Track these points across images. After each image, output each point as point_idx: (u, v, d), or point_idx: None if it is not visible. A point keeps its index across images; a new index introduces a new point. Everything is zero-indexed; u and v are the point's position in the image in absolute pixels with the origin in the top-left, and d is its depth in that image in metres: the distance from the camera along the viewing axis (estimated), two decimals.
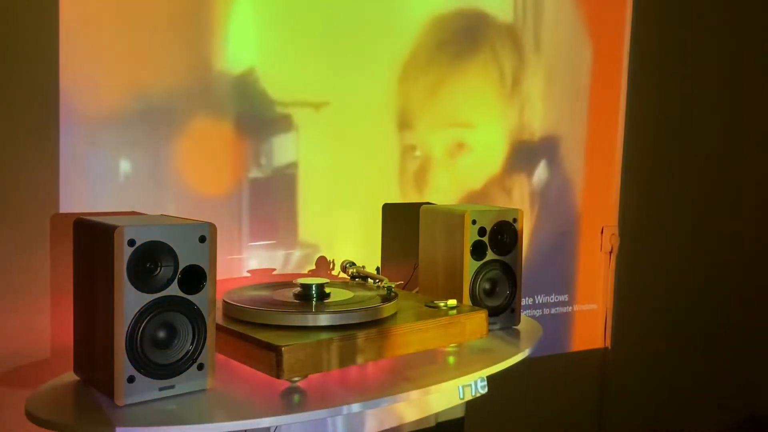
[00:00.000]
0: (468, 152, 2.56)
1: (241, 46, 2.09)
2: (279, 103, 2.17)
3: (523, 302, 2.66)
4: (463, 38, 2.53)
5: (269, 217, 2.17)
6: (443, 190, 2.52)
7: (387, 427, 1.58)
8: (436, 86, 2.49)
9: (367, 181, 2.35)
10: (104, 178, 1.90)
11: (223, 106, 2.07)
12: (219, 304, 1.53)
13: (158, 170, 1.98)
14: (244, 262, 2.12)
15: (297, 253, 2.21)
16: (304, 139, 2.21)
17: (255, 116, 2.13)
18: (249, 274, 2.12)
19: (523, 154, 2.70)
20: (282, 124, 2.18)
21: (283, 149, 2.19)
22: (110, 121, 1.90)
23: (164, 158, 1.99)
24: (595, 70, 2.85)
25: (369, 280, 1.87)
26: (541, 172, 2.74)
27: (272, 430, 1.36)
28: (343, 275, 1.99)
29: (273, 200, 2.17)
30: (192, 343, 1.38)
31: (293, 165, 2.21)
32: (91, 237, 1.37)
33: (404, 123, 2.42)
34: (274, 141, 2.17)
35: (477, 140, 2.59)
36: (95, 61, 1.88)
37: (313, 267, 2.22)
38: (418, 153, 2.46)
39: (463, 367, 1.63)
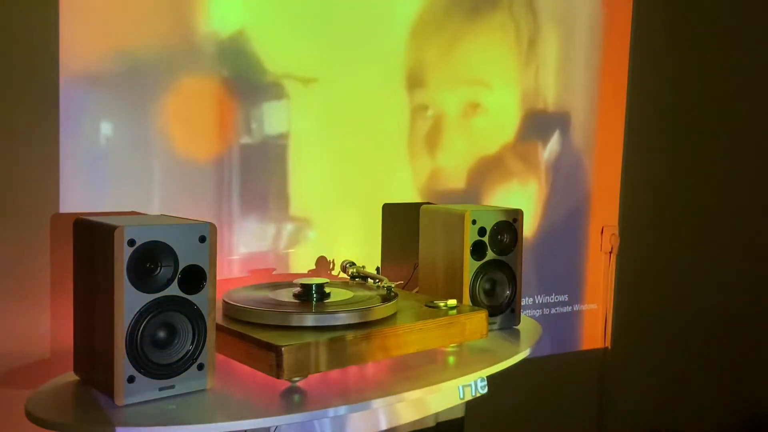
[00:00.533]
0: (483, 113, 2.52)
1: (231, 5, 2.05)
2: (273, 68, 2.11)
3: (523, 302, 2.66)
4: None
5: (259, 187, 2.13)
6: (456, 153, 2.49)
7: (387, 427, 1.58)
8: (451, 43, 2.43)
9: (372, 151, 2.32)
10: (104, 178, 1.90)
11: (214, 68, 2.04)
12: (219, 304, 1.53)
13: (143, 134, 1.94)
14: (234, 237, 2.09)
15: (289, 227, 2.19)
16: (307, 101, 2.18)
17: (247, 81, 2.09)
18: (249, 274, 2.12)
19: (538, 120, 2.68)
20: (283, 87, 2.14)
21: (289, 113, 2.16)
22: (93, 83, 1.87)
23: (150, 122, 1.95)
24: (606, 43, 2.85)
25: (369, 280, 1.87)
26: (555, 140, 2.72)
27: (272, 430, 1.36)
28: (343, 275, 1.99)
29: (265, 168, 2.14)
30: (192, 343, 1.38)
31: (295, 131, 2.17)
32: (91, 237, 1.37)
33: (416, 81, 2.37)
34: (272, 105, 2.13)
35: (492, 101, 2.55)
36: (82, 21, 1.85)
37: (313, 264, 2.23)
38: (430, 113, 2.41)
39: (463, 367, 1.63)
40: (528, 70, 2.65)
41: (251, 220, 2.13)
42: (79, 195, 1.87)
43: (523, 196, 2.70)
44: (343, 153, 2.28)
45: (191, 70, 2.01)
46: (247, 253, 2.12)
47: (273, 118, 2.15)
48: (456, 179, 2.52)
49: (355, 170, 2.30)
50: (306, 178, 2.20)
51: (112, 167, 1.91)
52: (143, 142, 1.95)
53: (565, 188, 2.80)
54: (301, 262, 2.21)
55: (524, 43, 2.62)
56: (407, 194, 2.42)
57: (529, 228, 2.66)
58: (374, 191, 2.35)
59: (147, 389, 1.33)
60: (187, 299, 1.37)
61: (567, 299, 2.84)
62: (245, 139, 2.11)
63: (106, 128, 1.91)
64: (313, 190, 2.22)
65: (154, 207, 1.96)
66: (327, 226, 2.25)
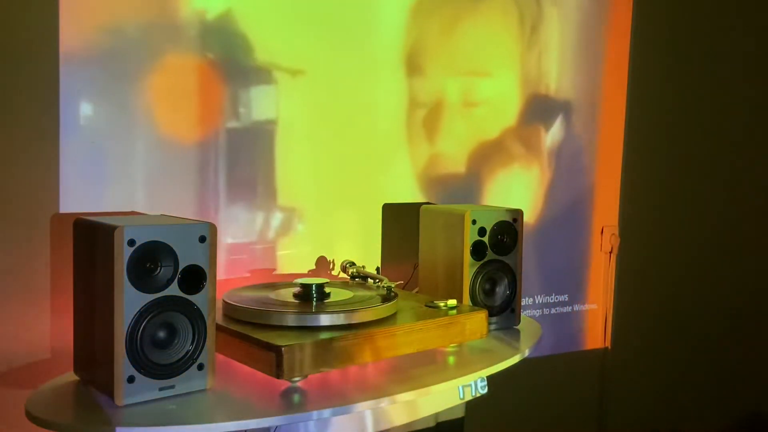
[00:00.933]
0: (483, 98, 2.51)
1: None
2: (265, 51, 2.10)
3: (523, 302, 2.66)
4: None
5: (247, 173, 2.12)
6: (455, 140, 2.48)
7: (387, 427, 1.58)
8: (451, 26, 2.42)
9: (369, 139, 2.31)
10: (104, 178, 1.90)
11: (215, 61, 2.04)
12: (219, 304, 1.53)
13: (126, 114, 1.92)
14: (221, 224, 2.07)
15: (278, 215, 2.18)
16: (299, 87, 2.17)
17: (236, 63, 2.08)
18: (249, 274, 2.12)
19: (540, 105, 2.68)
20: (273, 73, 2.13)
21: (277, 100, 2.15)
22: (75, 60, 1.85)
23: (133, 101, 1.93)
24: (610, 28, 2.86)
25: (369, 280, 1.87)
26: (557, 126, 2.71)
27: (272, 430, 1.36)
28: (343, 275, 1.99)
29: (252, 155, 2.13)
30: (192, 343, 1.38)
31: (286, 118, 2.16)
32: (91, 237, 1.37)
33: (414, 66, 2.37)
34: (258, 91, 2.12)
35: (492, 86, 2.55)
36: (81, 17, 1.84)
37: (313, 267, 2.23)
38: (429, 98, 2.41)
39: (463, 367, 1.63)
40: (530, 55, 2.64)
41: (253, 213, 2.13)
42: (79, 195, 1.87)
43: (524, 184, 2.69)
44: (339, 140, 2.27)
45: (194, 63, 2.02)
46: (247, 248, 2.12)
47: (281, 106, 2.16)
48: (455, 166, 2.52)
49: (352, 158, 2.29)
50: (299, 168, 2.20)
51: (113, 165, 1.91)
52: (145, 138, 1.96)
53: (568, 176, 2.79)
54: (300, 262, 2.21)
55: (527, 24, 2.62)
56: (406, 182, 2.42)
57: (530, 216, 2.67)
58: (372, 179, 2.34)
59: (147, 389, 1.33)
60: (187, 299, 1.36)
61: (567, 299, 2.84)
62: (251, 131, 2.12)
63: (105, 126, 1.91)
64: (307, 180, 2.21)
65: (155, 205, 1.96)
66: (325, 224, 2.25)
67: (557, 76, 2.73)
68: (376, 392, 1.45)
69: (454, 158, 2.51)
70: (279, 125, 2.16)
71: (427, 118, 2.43)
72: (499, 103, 2.60)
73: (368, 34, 2.30)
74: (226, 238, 2.07)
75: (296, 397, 1.40)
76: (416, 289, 2.08)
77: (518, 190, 2.67)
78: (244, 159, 2.11)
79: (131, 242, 1.29)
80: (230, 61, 2.07)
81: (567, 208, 2.81)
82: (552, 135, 2.73)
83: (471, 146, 2.55)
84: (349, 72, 2.27)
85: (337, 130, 2.26)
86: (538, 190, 2.73)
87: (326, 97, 2.23)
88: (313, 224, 2.23)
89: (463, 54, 2.49)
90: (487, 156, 2.58)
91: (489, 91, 2.56)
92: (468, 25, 2.48)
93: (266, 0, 2.12)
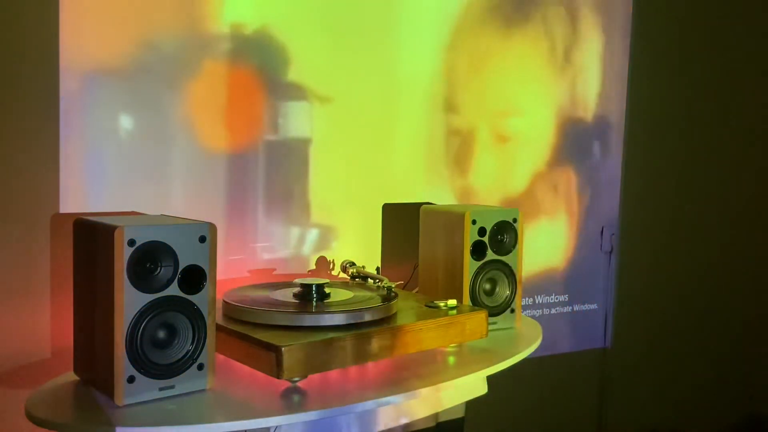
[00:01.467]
0: (513, 133, 2.55)
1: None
2: (297, 69, 2.13)
3: (523, 302, 2.66)
4: (511, 5, 2.51)
5: (284, 189, 2.16)
6: (486, 175, 2.51)
7: (387, 427, 1.58)
8: (483, 60, 2.45)
9: (391, 170, 2.35)
10: (104, 178, 1.90)
11: (222, 67, 2.05)
12: (219, 304, 1.53)
13: (163, 126, 1.96)
14: (259, 238, 2.10)
15: (314, 232, 2.21)
16: (326, 110, 2.20)
17: (237, 63, 2.09)
18: (249, 274, 2.12)
19: (574, 134, 2.72)
20: (306, 95, 2.16)
21: (316, 119, 2.18)
22: (108, 73, 1.88)
23: (170, 113, 1.96)
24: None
25: (369, 280, 1.87)
26: (591, 158, 2.75)
27: (272, 430, 1.36)
28: (343, 275, 1.99)
29: (287, 172, 2.17)
30: (192, 343, 1.38)
31: (313, 138, 2.19)
32: (91, 237, 1.37)
33: (449, 105, 2.41)
34: (292, 108, 2.16)
35: (523, 120, 2.59)
36: (96, 8, 1.86)
37: (314, 267, 2.23)
38: (459, 134, 2.44)
39: (463, 367, 1.63)
40: (564, 82, 2.68)
41: (258, 221, 2.14)
42: (79, 195, 1.87)
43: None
44: (358, 174, 2.30)
45: (197, 67, 2.02)
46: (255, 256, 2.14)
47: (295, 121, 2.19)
48: (485, 197, 2.55)
49: (378, 186, 2.33)
50: (323, 184, 2.22)
51: (113, 166, 1.91)
52: (145, 139, 1.96)
53: (599, 208, 2.85)
54: (300, 263, 2.21)
55: (560, 50, 2.64)
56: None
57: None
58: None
59: (147, 389, 1.33)
60: (187, 299, 1.36)
61: (567, 299, 2.84)
62: (259, 138, 2.13)
63: (106, 126, 1.91)
64: (331, 197, 2.24)
65: (153, 207, 1.96)
66: (349, 241, 2.27)
67: (593, 102, 2.76)
68: (376, 392, 1.45)
69: (483, 191, 2.54)
70: (291, 145, 2.19)
71: (459, 150, 2.46)
72: (530, 133, 2.63)
73: (397, 64, 2.33)
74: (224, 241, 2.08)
75: (296, 397, 1.40)
76: (416, 289, 2.08)
77: (546, 236, 2.71)
78: (273, 167, 2.13)
79: (131, 242, 1.29)
80: (232, 61, 2.07)
81: (593, 235, 2.85)
82: (588, 162, 2.78)
83: (501, 179, 2.58)
84: (375, 102, 2.29)
85: (358, 163, 2.29)
86: (569, 235, 2.76)
87: (350, 125, 2.26)
88: (343, 242, 2.26)
89: (495, 85, 2.52)
90: (518, 186, 2.62)
91: (521, 123, 2.60)
92: (499, 56, 2.51)
93: (294, 28, 2.14)
